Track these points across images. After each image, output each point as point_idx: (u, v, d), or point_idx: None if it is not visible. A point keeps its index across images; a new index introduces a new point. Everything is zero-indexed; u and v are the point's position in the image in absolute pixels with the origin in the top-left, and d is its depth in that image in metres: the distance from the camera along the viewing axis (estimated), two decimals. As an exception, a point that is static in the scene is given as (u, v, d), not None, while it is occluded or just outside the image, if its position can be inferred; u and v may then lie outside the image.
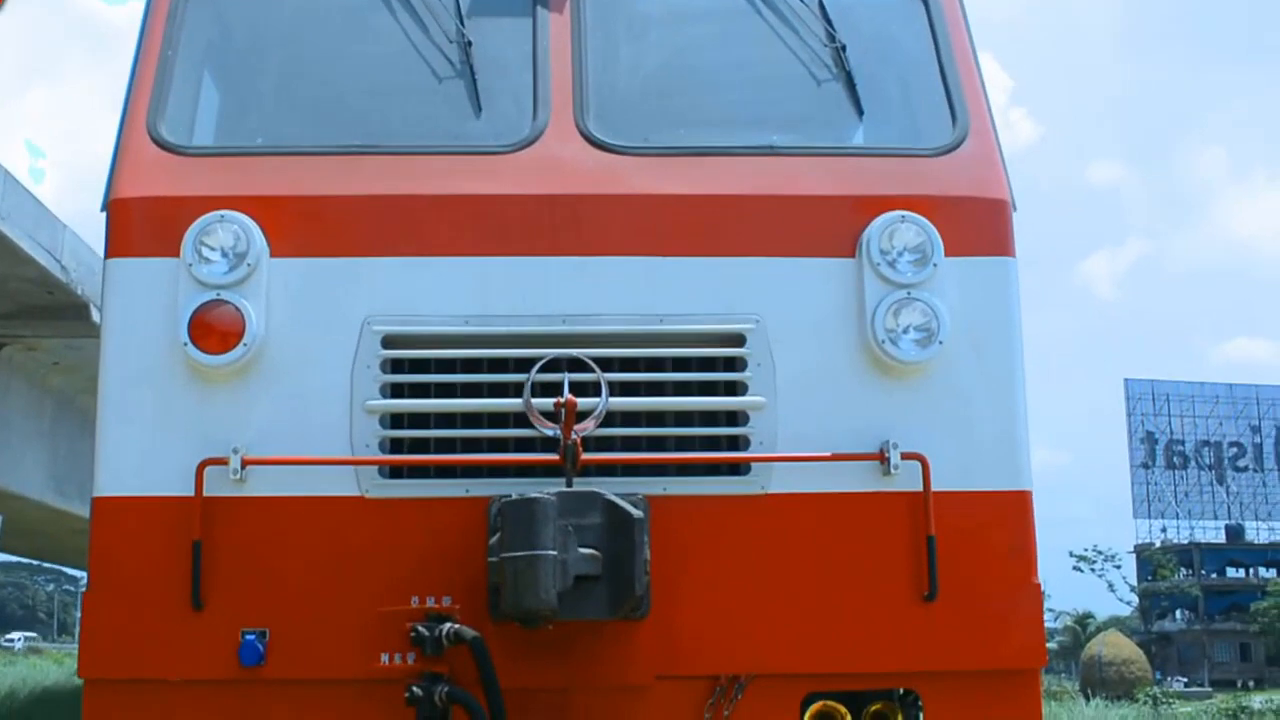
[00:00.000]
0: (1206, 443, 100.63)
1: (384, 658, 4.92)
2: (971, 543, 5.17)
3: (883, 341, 5.25)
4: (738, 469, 5.22)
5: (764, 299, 5.32)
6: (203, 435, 5.14)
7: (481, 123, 5.69)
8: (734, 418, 5.26)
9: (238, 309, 5.18)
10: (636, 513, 4.73)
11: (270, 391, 5.20)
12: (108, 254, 5.40)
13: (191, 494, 5.05)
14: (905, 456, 5.16)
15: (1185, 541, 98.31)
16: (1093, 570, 77.79)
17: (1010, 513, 5.25)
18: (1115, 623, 79.46)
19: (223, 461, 5.07)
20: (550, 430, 4.97)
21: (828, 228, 5.42)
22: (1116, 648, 54.49)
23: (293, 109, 6.03)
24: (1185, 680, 73.66)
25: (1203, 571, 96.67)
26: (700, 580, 5.06)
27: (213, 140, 5.98)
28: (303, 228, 5.34)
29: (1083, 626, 76.06)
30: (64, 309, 22.09)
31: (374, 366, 5.21)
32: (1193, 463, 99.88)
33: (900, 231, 5.34)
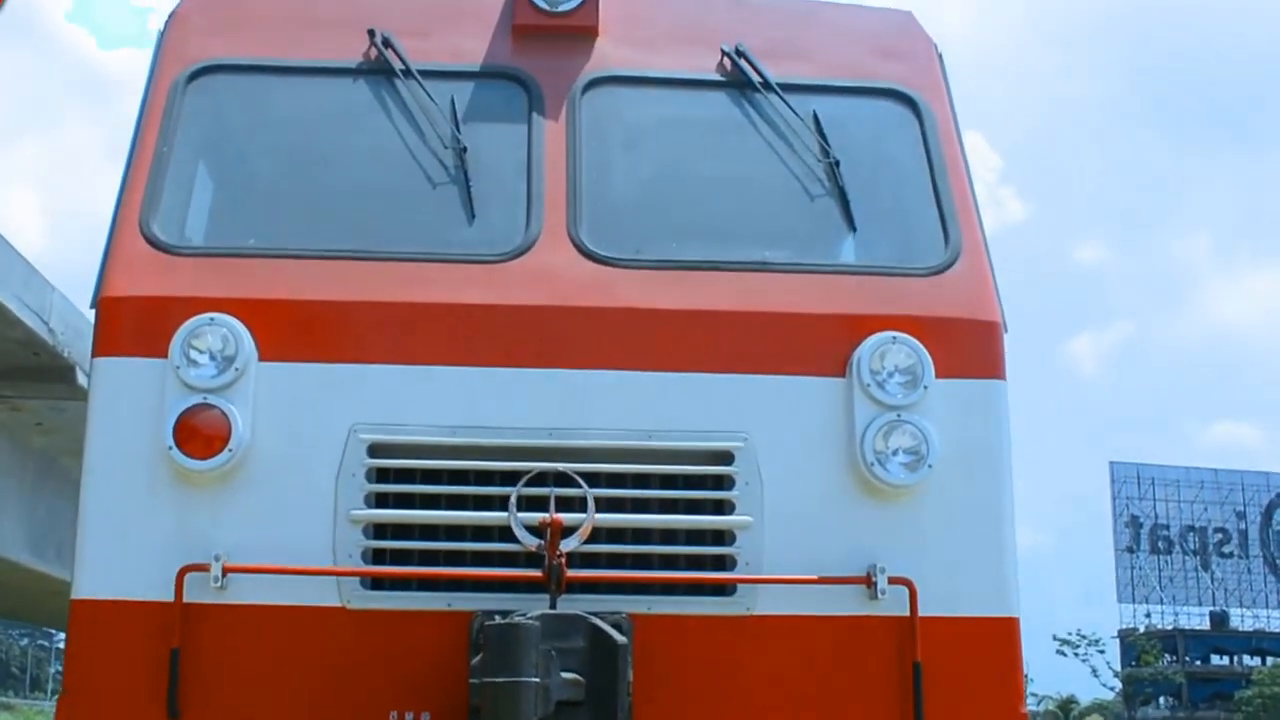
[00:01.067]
0: (1191, 528, 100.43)
1: None
2: (958, 670, 5.13)
3: (871, 464, 5.23)
4: (724, 589, 5.17)
5: (753, 417, 5.30)
6: (184, 540, 5.09)
7: (474, 230, 5.68)
8: (721, 536, 5.22)
9: (224, 414, 5.14)
10: (620, 639, 4.67)
11: (254, 497, 5.16)
12: (95, 352, 5.37)
13: (171, 599, 5.00)
14: (892, 581, 5.12)
15: (1169, 627, 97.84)
16: (1076, 654, 77.36)
17: (998, 640, 5.20)
18: (1098, 708, 78.96)
19: (204, 568, 5.01)
20: (535, 545, 4.93)
21: (818, 346, 5.41)
22: (1099, 735, 54.08)
23: (286, 210, 6.00)
24: (1168, 769, 72.95)
25: (1187, 658, 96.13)
26: (683, 702, 5.00)
27: (204, 237, 5.96)
28: (292, 332, 5.31)
29: (1065, 712, 75.48)
30: (49, 371, 22.06)
31: (359, 475, 5.17)
32: (1177, 548, 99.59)
33: (891, 352, 5.34)
